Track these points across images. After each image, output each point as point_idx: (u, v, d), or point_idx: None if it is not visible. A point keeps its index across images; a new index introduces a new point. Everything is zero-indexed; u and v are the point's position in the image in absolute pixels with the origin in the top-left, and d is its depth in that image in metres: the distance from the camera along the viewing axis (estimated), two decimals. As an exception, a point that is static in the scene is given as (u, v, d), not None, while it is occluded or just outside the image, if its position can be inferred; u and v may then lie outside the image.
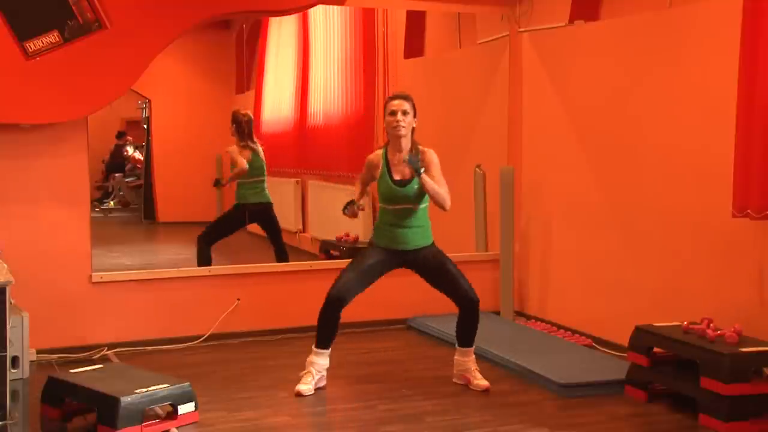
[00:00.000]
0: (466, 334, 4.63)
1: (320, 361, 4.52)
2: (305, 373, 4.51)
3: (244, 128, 6.55)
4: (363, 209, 4.60)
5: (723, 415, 3.88)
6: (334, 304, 4.44)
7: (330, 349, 4.54)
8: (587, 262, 5.64)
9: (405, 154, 4.44)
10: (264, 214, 6.61)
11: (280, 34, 8.94)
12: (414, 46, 7.35)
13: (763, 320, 4.27)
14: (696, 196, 4.70)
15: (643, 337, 4.40)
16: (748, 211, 4.13)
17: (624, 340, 4.61)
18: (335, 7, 7.32)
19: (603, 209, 5.46)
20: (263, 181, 6.61)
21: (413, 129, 4.50)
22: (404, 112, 4.44)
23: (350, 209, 4.54)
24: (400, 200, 4.48)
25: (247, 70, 9.57)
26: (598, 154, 5.52)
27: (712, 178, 4.57)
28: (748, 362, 3.93)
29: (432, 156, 4.50)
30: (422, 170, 4.36)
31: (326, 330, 4.49)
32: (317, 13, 7.97)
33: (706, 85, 4.63)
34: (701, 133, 4.67)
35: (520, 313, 6.25)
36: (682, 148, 4.81)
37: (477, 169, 6.39)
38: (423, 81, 7.48)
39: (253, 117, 6.72)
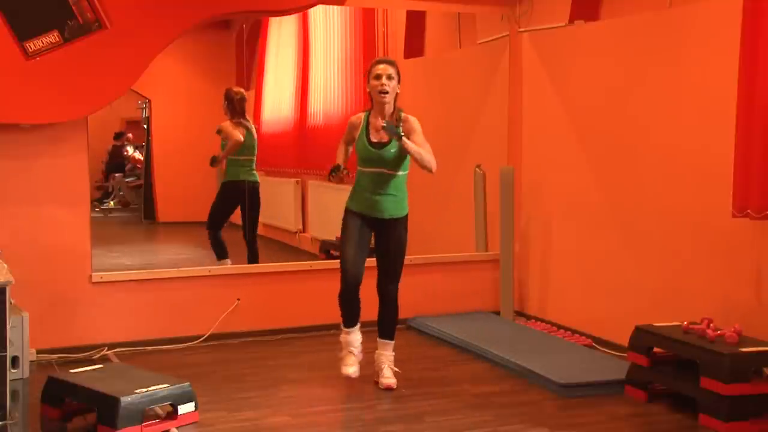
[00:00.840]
0: (381, 325, 4.66)
1: (353, 338, 4.58)
2: (346, 354, 4.56)
3: (236, 105, 6.58)
4: (349, 174, 4.55)
5: (723, 415, 3.88)
6: (353, 286, 4.49)
7: (358, 324, 4.59)
8: (587, 262, 5.64)
9: (383, 121, 4.41)
10: (253, 193, 6.62)
11: (280, 34, 8.94)
12: (414, 46, 7.35)
13: (763, 320, 4.27)
14: (696, 196, 4.70)
15: (643, 337, 4.40)
16: (748, 211, 4.13)
17: (624, 340, 4.61)
18: (335, 7, 7.32)
19: (603, 209, 5.46)
20: (253, 160, 6.63)
21: (397, 95, 4.50)
22: (389, 77, 4.45)
23: (336, 175, 4.53)
24: (375, 162, 4.46)
25: (247, 70, 9.56)
26: (598, 154, 5.52)
27: (712, 178, 4.57)
28: (748, 362, 3.93)
29: (414, 123, 4.49)
30: (402, 134, 4.32)
31: (350, 311, 4.56)
32: (317, 13, 7.97)
33: (706, 85, 4.63)
34: (701, 133, 4.67)
35: (520, 313, 6.25)
36: (682, 148, 4.81)
37: (477, 169, 6.39)
38: (423, 81, 7.48)
39: (245, 95, 6.73)
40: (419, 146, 4.40)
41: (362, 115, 4.58)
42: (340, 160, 4.63)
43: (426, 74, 7.48)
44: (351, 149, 4.69)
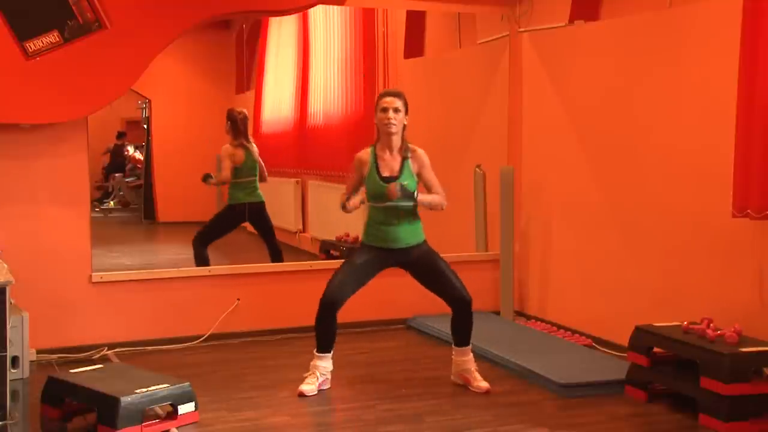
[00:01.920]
0: (461, 334, 4.62)
1: (323, 365, 4.51)
2: (309, 374, 4.51)
3: (239, 126, 6.51)
4: (363, 202, 4.52)
5: (723, 415, 3.88)
6: (327, 308, 4.42)
7: (331, 352, 4.53)
8: (587, 262, 5.64)
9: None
10: (257, 213, 6.58)
11: (280, 34, 8.95)
12: (414, 46, 7.35)
13: (763, 320, 4.27)
14: (696, 196, 4.70)
15: (643, 337, 4.40)
16: (748, 211, 4.13)
17: (624, 340, 4.61)
18: (335, 7, 7.32)
19: (603, 209, 5.46)
20: (255, 181, 6.56)
21: (404, 126, 4.48)
22: (396, 110, 4.41)
23: (351, 200, 4.46)
24: (386, 197, 4.41)
25: (247, 70, 9.58)
26: (598, 154, 5.52)
27: (712, 178, 4.57)
28: (748, 362, 3.93)
29: (423, 157, 4.49)
30: (417, 195, 4.36)
31: (325, 335, 4.48)
32: (317, 13, 7.98)
33: (706, 86, 4.63)
34: (701, 133, 4.67)
35: (520, 313, 6.26)
36: (682, 148, 4.81)
37: (477, 169, 6.39)
38: (423, 81, 7.49)
39: (248, 115, 6.67)
40: (430, 185, 4.47)
41: (369, 150, 4.50)
42: (345, 200, 4.50)
43: (426, 74, 7.48)
44: (362, 188, 4.57)
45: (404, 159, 4.46)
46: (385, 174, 4.43)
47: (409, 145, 4.49)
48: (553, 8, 5.85)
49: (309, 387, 4.45)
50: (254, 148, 6.59)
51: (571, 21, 5.68)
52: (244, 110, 6.67)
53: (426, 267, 4.53)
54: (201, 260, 6.31)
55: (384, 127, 4.43)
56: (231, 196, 6.54)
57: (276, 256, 6.52)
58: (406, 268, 4.58)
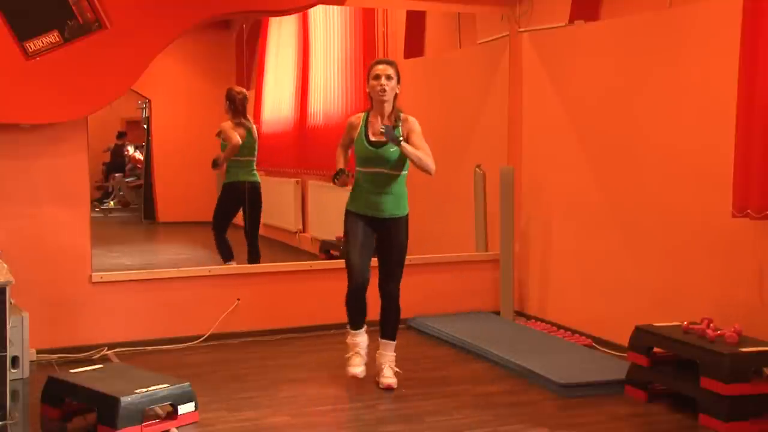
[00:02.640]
0: (384, 326, 4.66)
1: (360, 340, 4.59)
2: (352, 355, 4.57)
3: (238, 105, 6.53)
4: (351, 176, 4.53)
5: (723, 415, 3.88)
6: (359, 290, 4.50)
7: (365, 326, 4.59)
8: (587, 262, 5.64)
9: (381, 125, 4.40)
10: (253, 194, 6.59)
11: (280, 34, 8.94)
12: (414, 46, 7.35)
13: (763, 320, 4.27)
14: (696, 196, 4.70)
15: (643, 337, 4.40)
16: (748, 211, 4.13)
17: (624, 340, 4.61)
18: (335, 7, 7.32)
19: (603, 209, 5.46)
20: (253, 161, 6.60)
21: (396, 95, 4.50)
22: (388, 77, 4.45)
23: (341, 179, 4.51)
24: (375, 162, 4.45)
25: (247, 70, 9.57)
26: (598, 154, 5.52)
27: (712, 178, 4.57)
28: (748, 362, 3.93)
29: (414, 124, 4.50)
30: (401, 139, 4.36)
31: (357, 313, 4.56)
32: (317, 13, 7.97)
33: (706, 86, 4.63)
34: (701, 133, 4.67)
35: (520, 313, 6.25)
36: (682, 148, 4.81)
37: (477, 169, 6.39)
38: (423, 81, 7.48)
39: (247, 95, 6.68)
40: (418, 148, 4.41)
41: (361, 115, 4.57)
42: (341, 165, 4.61)
43: (426, 74, 7.48)
44: (350, 152, 4.68)
45: (395, 127, 4.47)
46: (373, 138, 4.45)
47: (401, 113, 4.52)
48: (553, 8, 5.85)
49: (359, 369, 4.54)
50: (254, 127, 6.60)
51: (571, 21, 5.68)
52: (243, 90, 6.70)
53: (387, 240, 4.55)
54: (222, 247, 6.36)
55: (376, 94, 4.46)
56: (229, 173, 6.55)
57: (254, 257, 6.53)
58: (378, 233, 4.57)
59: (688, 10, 4.79)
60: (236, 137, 6.46)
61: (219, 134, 6.60)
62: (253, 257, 6.56)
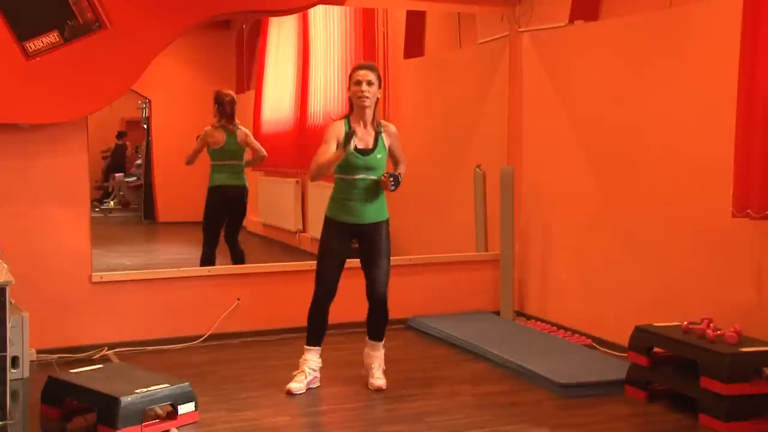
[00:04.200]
0: (372, 328, 4.64)
1: (313, 359, 4.54)
2: (298, 372, 4.52)
3: (226, 108, 6.48)
4: (355, 133, 4.39)
5: (723, 415, 3.88)
6: (324, 300, 4.47)
7: (321, 347, 4.55)
8: (587, 262, 5.64)
9: (387, 174, 4.42)
10: (235, 198, 6.56)
11: (280, 34, 8.94)
12: (414, 46, 7.35)
13: (763, 320, 4.27)
14: (696, 197, 4.70)
15: (643, 337, 4.40)
16: (748, 211, 4.13)
17: (624, 340, 4.61)
18: (335, 7, 7.32)
19: (603, 209, 5.46)
20: (239, 165, 6.57)
21: (377, 100, 4.49)
22: (369, 83, 4.42)
23: (349, 142, 4.36)
24: (359, 169, 4.43)
25: (247, 70, 9.58)
26: (598, 154, 5.52)
27: (712, 178, 4.57)
28: (748, 362, 3.93)
29: (394, 130, 4.55)
30: (400, 177, 4.46)
31: (318, 327, 4.52)
32: (317, 13, 7.98)
33: (706, 85, 4.63)
34: (701, 133, 4.67)
35: (520, 313, 6.25)
36: (682, 148, 4.81)
37: (477, 169, 6.39)
38: (423, 81, 7.49)
39: (235, 98, 6.63)
40: (399, 156, 4.60)
41: (341, 122, 4.50)
42: (335, 149, 4.44)
43: (426, 74, 7.48)
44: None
45: (378, 133, 4.47)
46: (360, 146, 4.43)
47: (381, 120, 4.52)
48: (553, 8, 5.85)
49: (298, 385, 4.46)
50: (241, 131, 6.55)
51: (571, 21, 5.68)
52: (231, 92, 6.64)
53: (369, 246, 4.53)
54: (206, 263, 6.32)
55: (358, 100, 4.44)
56: (211, 178, 6.55)
57: (237, 258, 6.51)
58: (359, 240, 4.57)
59: (688, 10, 4.79)
60: (191, 152, 6.48)
61: (198, 137, 6.57)
62: (237, 258, 6.53)
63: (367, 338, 4.68)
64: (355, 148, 4.41)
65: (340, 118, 4.55)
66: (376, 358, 4.64)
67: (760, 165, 4.07)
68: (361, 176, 4.44)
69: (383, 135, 4.48)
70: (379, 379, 4.57)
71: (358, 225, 4.49)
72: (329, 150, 4.44)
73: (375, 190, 4.47)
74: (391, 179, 4.40)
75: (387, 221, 4.57)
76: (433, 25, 7.30)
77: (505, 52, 6.35)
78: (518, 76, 6.26)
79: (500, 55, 6.40)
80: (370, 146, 4.44)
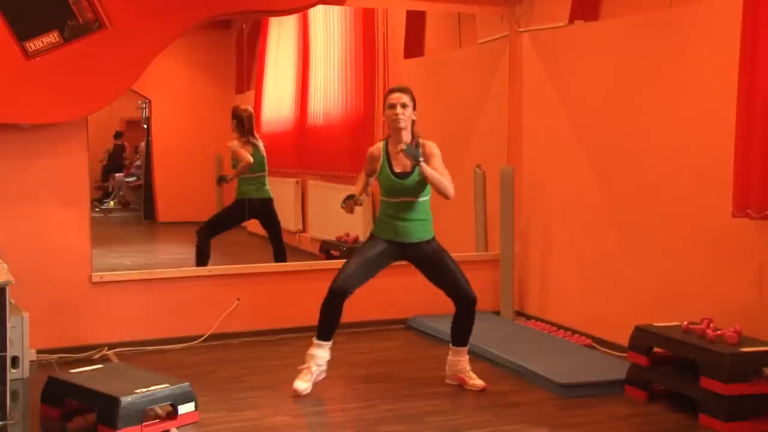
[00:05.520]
0: (461, 334, 4.63)
1: (321, 354, 4.50)
2: (304, 369, 4.49)
3: (245, 124, 6.57)
4: (361, 205, 4.55)
5: (723, 415, 3.88)
6: (337, 295, 4.44)
7: (331, 341, 4.53)
8: (587, 262, 5.64)
9: (403, 144, 4.38)
10: (265, 209, 6.62)
11: (280, 34, 8.93)
12: (414, 46, 7.35)
13: (763, 320, 4.27)
14: (696, 196, 4.70)
15: (643, 337, 4.40)
16: (748, 211, 4.13)
17: (624, 340, 4.61)
18: (335, 7, 7.31)
19: (603, 209, 5.46)
20: (264, 176, 6.63)
21: (413, 121, 4.50)
22: (403, 105, 4.44)
23: (348, 204, 4.49)
24: (400, 193, 4.46)
25: (247, 70, 9.56)
26: (598, 154, 5.52)
27: (712, 178, 4.57)
28: (748, 362, 3.93)
29: (433, 148, 4.49)
30: (421, 159, 4.34)
31: (329, 322, 4.48)
32: (317, 13, 7.97)
33: (706, 85, 4.63)
34: (701, 133, 4.67)
35: (520, 313, 6.25)
36: (682, 148, 4.81)
37: (477, 169, 6.39)
38: (423, 81, 7.48)
39: (253, 112, 6.73)
40: (438, 172, 4.41)
41: (380, 145, 4.54)
42: (358, 191, 4.57)
43: (426, 74, 7.47)
44: (372, 180, 4.66)
45: (416, 145, 4.45)
46: (398, 170, 4.45)
47: (420, 140, 4.51)
48: (553, 8, 5.85)
49: (304, 385, 4.43)
50: (261, 144, 6.64)
51: (571, 21, 5.68)
52: (249, 108, 6.74)
53: (433, 263, 4.54)
54: (203, 254, 6.32)
55: (393, 123, 4.45)
56: (239, 191, 6.59)
57: (280, 255, 6.54)
58: (414, 262, 4.59)
59: (688, 10, 4.79)
60: (247, 155, 6.51)
61: (231, 152, 6.61)
62: (279, 257, 6.56)
63: (451, 345, 4.65)
64: (393, 172, 4.45)
65: (381, 140, 4.58)
66: (466, 363, 4.64)
67: (760, 165, 4.07)
68: (401, 199, 4.47)
69: (419, 151, 4.40)
70: (478, 380, 4.58)
71: (406, 245, 4.50)
72: (358, 183, 4.62)
73: (417, 209, 4.48)
74: (405, 147, 4.30)
75: (434, 238, 4.58)
76: (433, 25, 7.29)
77: (505, 52, 6.35)
78: (518, 76, 6.27)
79: (500, 55, 6.40)
80: (409, 170, 4.45)
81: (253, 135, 6.60)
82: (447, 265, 4.54)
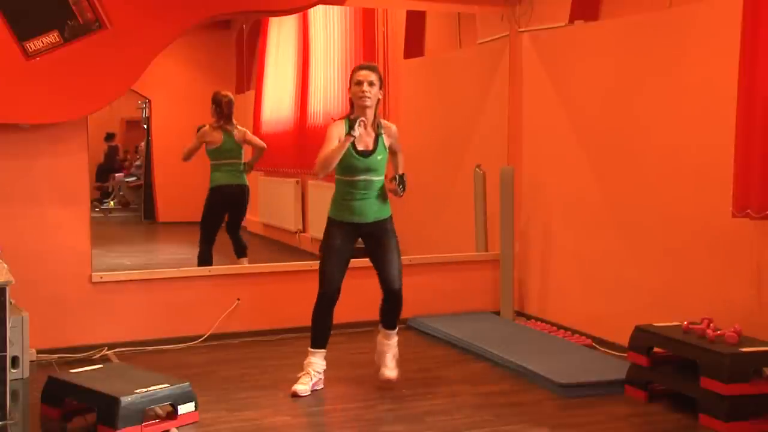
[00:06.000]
0: (386, 317, 4.63)
1: (318, 362, 4.52)
2: (303, 374, 4.52)
3: (223, 109, 6.59)
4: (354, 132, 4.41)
5: (723, 415, 3.88)
6: (328, 301, 4.46)
7: (326, 349, 4.54)
8: (587, 262, 5.64)
9: (396, 177, 4.52)
10: (236, 196, 6.65)
11: (280, 34, 8.94)
12: (414, 46, 7.35)
13: (763, 320, 4.27)
14: (696, 196, 4.70)
15: (643, 337, 4.40)
16: (748, 211, 4.13)
17: (624, 340, 4.61)
18: (335, 7, 7.32)
19: (603, 209, 5.46)
20: (239, 164, 6.65)
21: (378, 101, 4.50)
22: (370, 83, 4.43)
23: (347, 136, 4.36)
24: (360, 171, 4.44)
25: (247, 70, 9.56)
26: (598, 154, 5.52)
27: (712, 178, 4.57)
28: (748, 362, 3.93)
29: (395, 132, 4.57)
30: (404, 178, 4.53)
31: (322, 329, 4.50)
32: (317, 13, 7.97)
33: (706, 85, 4.63)
34: (701, 133, 4.67)
35: (520, 313, 6.25)
36: (682, 148, 4.81)
37: (477, 169, 6.39)
38: (423, 81, 7.48)
39: (234, 99, 6.74)
40: (398, 156, 4.64)
41: (342, 122, 4.50)
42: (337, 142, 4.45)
43: (426, 74, 7.48)
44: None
45: (378, 135, 4.47)
46: (360, 148, 4.43)
47: (381, 120, 4.52)
48: (553, 8, 5.85)
49: (303, 387, 4.45)
50: (239, 130, 6.64)
51: (571, 21, 5.68)
52: (230, 94, 6.74)
53: (380, 241, 4.53)
54: (202, 262, 6.33)
55: (359, 100, 4.44)
56: (211, 179, 6.63)
57: (240, 250, 6.57)
58: (364, 238, 4.57)
59: (688, 10, 4.79)
60: (187, 149, 6.60)
61: (198, 129, 6.67)
62: (240, 250, 6.58)
63: (379, 326, 4.66)
64: (356, 150, 4.40)
65: (341, 118, 4.54)
66: (391, 347, 4.63)
67: (760, 165, 4.07)
68: (361, 177, 4.45)
69: (383, 136, 4.49)
70: (390, 370, 4.57)
71: (362, 224, 4.49)
72: (332, 145, 4.43)
73: (375, 188, 4.48)
74: (400, 186, 4.47)
75: (390, 217, 4.58)
76: (433, 25, 7.30)
77: (505, 52, 6.35)
78: (518, 76, 6.27)
79: (500, 55, 6.40)
80: (371, 147, 4.45)
81: (229, 121, 6.60)
82: (389, 248, 4.52)
